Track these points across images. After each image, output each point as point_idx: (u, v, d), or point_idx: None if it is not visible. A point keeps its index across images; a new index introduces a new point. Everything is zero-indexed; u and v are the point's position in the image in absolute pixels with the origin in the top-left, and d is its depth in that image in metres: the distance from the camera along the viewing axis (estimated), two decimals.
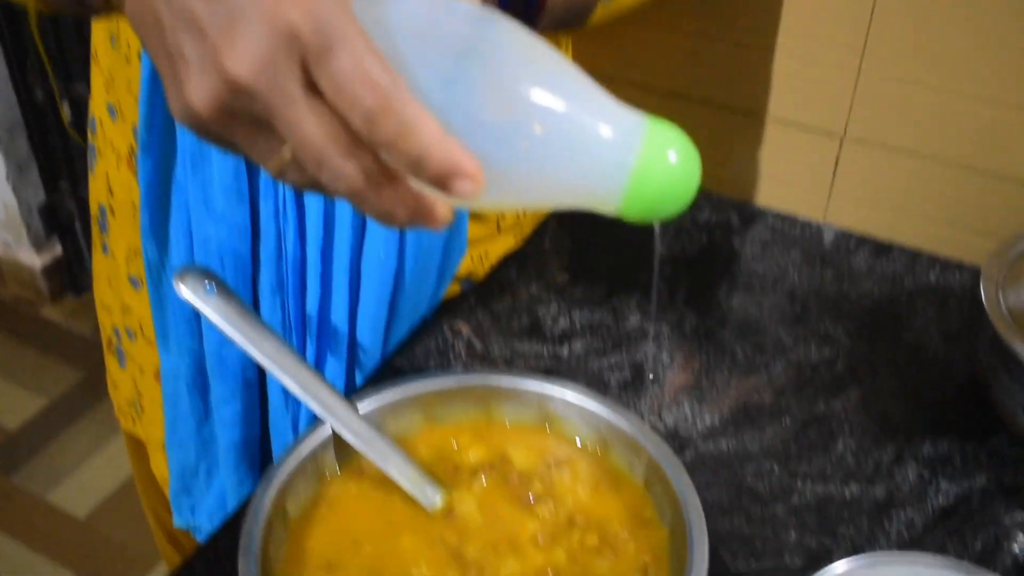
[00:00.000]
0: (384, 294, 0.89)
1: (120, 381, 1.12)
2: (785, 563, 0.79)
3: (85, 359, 2.29)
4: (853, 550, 0.80)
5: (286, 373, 0.74)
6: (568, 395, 0.78)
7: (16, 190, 2.42)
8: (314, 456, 0.75)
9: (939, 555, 0.72)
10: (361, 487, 0.75)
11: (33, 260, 2.52)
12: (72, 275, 2.55)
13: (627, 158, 0.51)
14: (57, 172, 2.50)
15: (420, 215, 0.49)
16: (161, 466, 1.13)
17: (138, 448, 1.17)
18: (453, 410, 0.79)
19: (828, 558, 0.72)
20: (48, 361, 2.38)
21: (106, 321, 1.10)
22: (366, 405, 0.77)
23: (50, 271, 2.54)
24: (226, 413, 0.96)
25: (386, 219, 0.49)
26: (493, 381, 0.79)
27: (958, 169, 1.06)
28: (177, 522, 1.08)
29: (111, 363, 1.12)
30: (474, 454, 0.78)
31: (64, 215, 2.52)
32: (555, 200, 0.53)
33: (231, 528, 0.75)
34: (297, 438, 0.75)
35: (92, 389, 2.20)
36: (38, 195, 2.49)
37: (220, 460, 1.01)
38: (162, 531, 1.21)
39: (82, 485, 2.07)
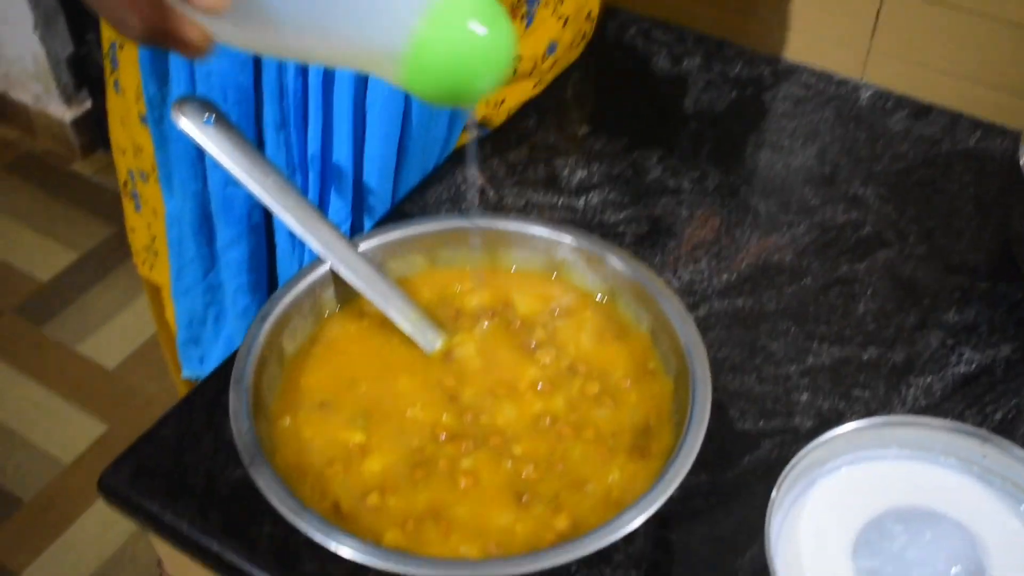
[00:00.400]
0: (391, 134, 0.85)
1: (136, 226, 1.10)
2: (794, 424, 0.76)
3: (116, 214, 2.27)
4: (867, 414, 0.77)
5: (286, 209, 0.71)
6: (577, 242, 0.75)
7: (44, 41, 2.37)
8: (312, 293, 0.73)
9: (955, 421, 0.68)
10: (359, 327, 0.74)
11: (63, 113, 2.48)
12: (103, 130, 2.52)
13: (410, 19, 0.43)
14: (85, 23, 2.44)
15: (161, 29, 0.49)
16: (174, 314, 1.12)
17: (156, 296, 1.15)
18: (457, 254, 0.77)
19: (839, 421, 0.68)
20: (79, 215, 2.36)
21: (121, 164, 1.07)
22: (368, 244, 0.74)
23: (80, 124, 2.50)
24: (232, 257, 0.94)
25: (120, 27, 0.50)
26: (500, 225, 0.76)
27: (1006, 27, 0.99)
28: (186, 373, 1.07)
29: (128, 207, 1.10)
30: (477, 299, 0.75)
31: (93, 67, 2.48)
32: (333, 53, 0.47)
33: (229, 367, 0.73)
34: (295, 274, 0.72)
35: (122, 244, 2.19)
36: (66, 47, 2.44)
37: (227, 307, 1.00)
38: (182, 380, 1.21)
39: (111, 337, 2.07)
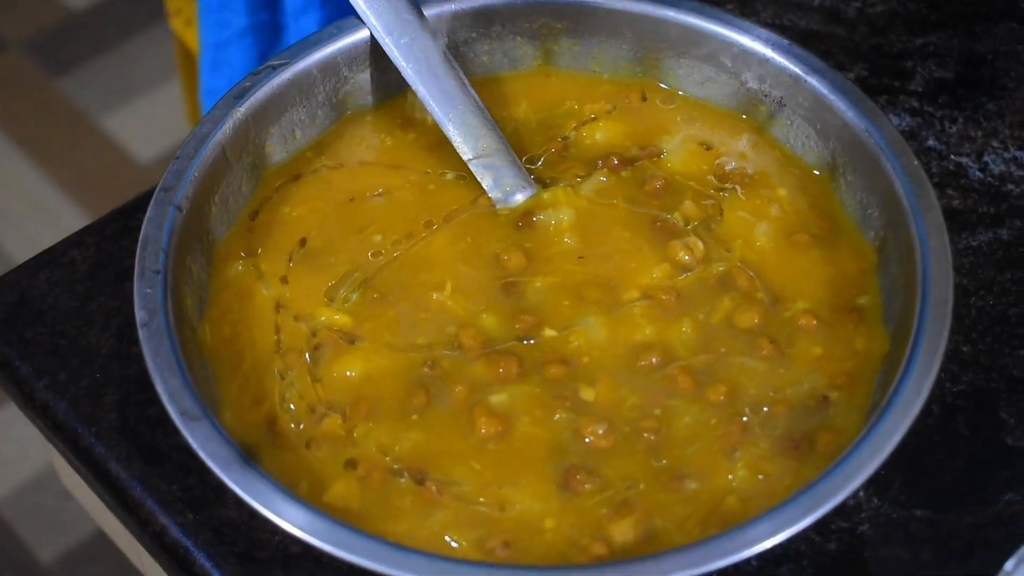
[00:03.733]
0: None
1: None
2: None
3: None
4: None
5: None
6: (802, 68, 0.70)
7: None
8: (333, 72, 0.71)
9: None
10: (395, 144, 0.72)
11: None
12: None
13: None
14: None
15: None
16: None
17: (189, 66, 1.20)
18: (592, 49, 0.74)
19: None
20: None
21: None
22: (440, 6, 0.72)
23: None
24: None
25: None
26: (663, 11, 0.72)
27: None
28: None
29: None
30: (604, 131, 0.73)
31: None
32: None
33: None
34: (308, 36, 0.71)
35: None
36: None
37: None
38: None
39: (150, 116, 2.11)
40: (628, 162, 0.71)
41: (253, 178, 0.69)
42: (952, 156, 0.79)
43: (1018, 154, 0.80)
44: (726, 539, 0.54)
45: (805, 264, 0.68)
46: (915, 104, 0.82)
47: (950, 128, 0.82)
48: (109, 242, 0.75)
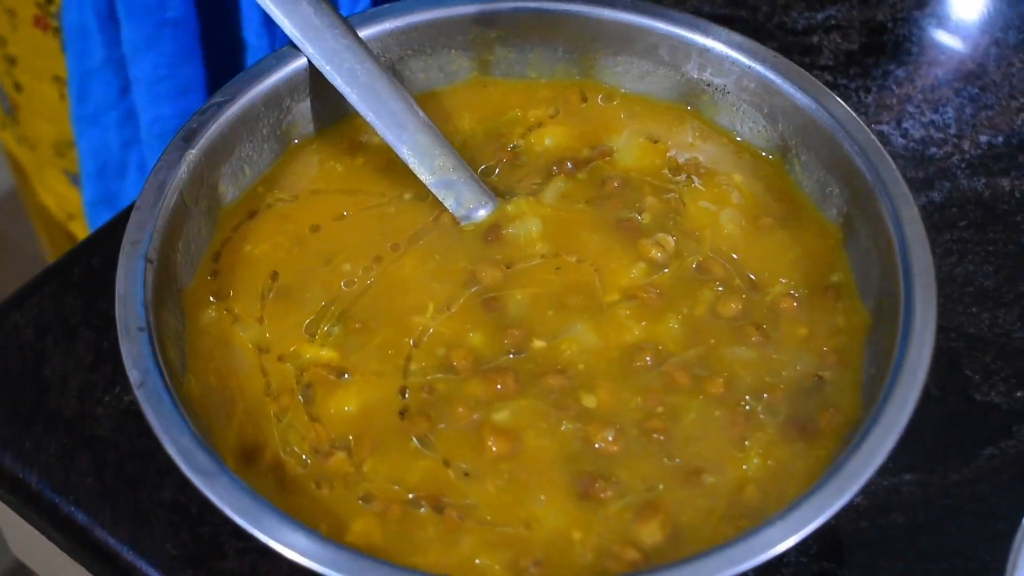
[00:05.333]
0: None
1: None
2: None
3: None
4: None
5: None
6: (735, 51, 0.70)
7: None
8: (275, 103, 0.69)
9: None
10: (347, 169, 0.71)
11: None
12: None
13: None
14: None
15: None
16: (56, 182, 1.12)
17: (20, 172, 1.18)
18: (527, 55, 0.74)
19: None
20: None
21: None
22: (375, 28, 0.71)
23: None
24: (144, 68, 0.93)
25: None
26: (601, 12, 0.71)
27: None
28: None
29: None
30: (553, 136, 0.73)
31: None
32: None
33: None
34: (247, 70, 0.69)
35: None
36: None
37: (148, 147, 1.00)
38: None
39: None
40: (582, 164, 0.71)
41: (211, 221, 0.67)
42: (873, 126, 0.81)
43: (934, 117, 0.83)
44: (763, 535, 0.53)
45: (774, 246, 0.68)
46: (828, 78, 0.84)
47: (866, 98, 0.83)
48: (50, 301, 0.72)
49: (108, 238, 0.74)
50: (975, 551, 0.65)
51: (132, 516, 0.65)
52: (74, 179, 1.10)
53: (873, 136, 0.67)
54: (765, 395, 0.63)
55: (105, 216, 1.05)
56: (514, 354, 0.64)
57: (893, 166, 0.65)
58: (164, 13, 0.90)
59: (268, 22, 0.92)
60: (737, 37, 0.70)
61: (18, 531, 0.72)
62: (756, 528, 0.54)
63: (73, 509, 0.65)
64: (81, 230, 1.15)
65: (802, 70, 0.69)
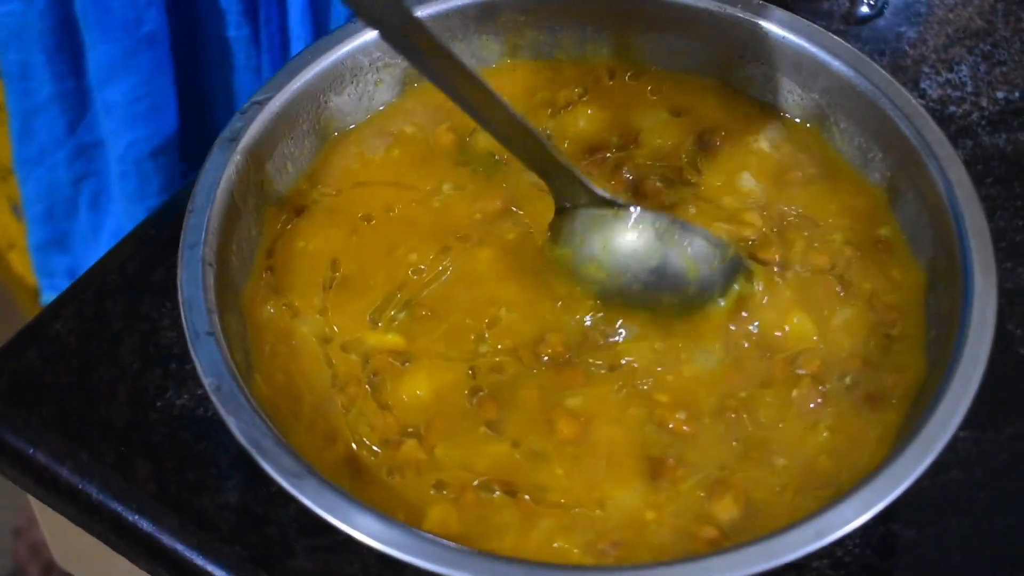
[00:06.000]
0: None
1: None
2: None
3: None
4: None
5: None
6: (764, 20, 0.71)
7: None
8: (311, 96, 0.69)
9: None
10: (384, 160, 0.71)
11: None
12: None
13: None
14: None
15: None
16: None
17: None
18: (558, 36, 0.74)
19: None
20: None
21: None
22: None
23: None
24: (115, 94, 0.91)
25: None
26: None
27: None
28: (49, 298, 1.05)
29: None
30: (584, 119, 0.73)
31: None
32: None
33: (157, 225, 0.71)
34: (297, 55, 0.70)
35: None
36: None
37: (112, 181, 0.98)
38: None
39: None
40: (617, 152, 0.72)
41: (260, 220, 0.67)
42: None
43: (950, 76, 0.83)
44: (846, 504, 0.54)
45: (825, 198, 0.69)
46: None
47: (881, 61, 0.83)
48: (90, 307, 0.71)
49: (129, 248, 0.74)
50: None
51: (198, 521, 0.64)
52: (15, 208, 1.07)
53: (915, 101, 0.67)
54: (844, 376, 0.63)
55: (56, 259, 1.03)
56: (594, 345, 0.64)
57: (937, 129, 0.66)
58: (141, 28, 0.88)
59: (247, 11, 0.90)
60: (771, 9, 0.71)
61: (70, 542, 0.71)
62: (839, 498, 0.54)
63: (138, 517, 0.64)
64: (21, 263, 1.12)
65: (837, 38, 0.70)
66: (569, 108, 0.73)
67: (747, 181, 0.70)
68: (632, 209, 0.64)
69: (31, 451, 0.66)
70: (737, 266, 0.64)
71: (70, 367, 0.69)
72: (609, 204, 0.64)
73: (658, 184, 0.70)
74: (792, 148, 0.71)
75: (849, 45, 0.69)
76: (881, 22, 0.86)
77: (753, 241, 0.67)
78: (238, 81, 0.93)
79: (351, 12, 0.66)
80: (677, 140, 0.72)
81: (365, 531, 0.53)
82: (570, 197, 0.64)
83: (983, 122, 0.81)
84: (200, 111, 0.96)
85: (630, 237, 0.64)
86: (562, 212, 0.65)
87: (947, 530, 0.65)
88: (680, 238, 0.63)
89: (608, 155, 0.71)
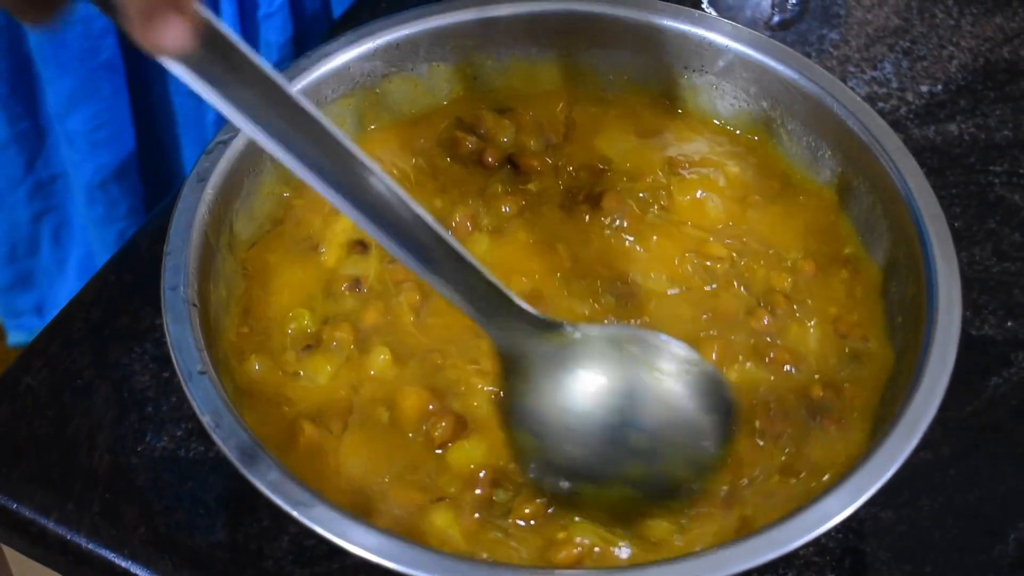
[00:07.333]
0: None
1: None
2: None
3: None
4: None
5: None
6: (707, 31, 0.72)
7: None
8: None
9: None
10: None
11: None
12: None
13: None
14: None
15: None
16: None
17: None
18: (505, 61, 0.74)
19: None
20: None
21: None
22: (357, 46, 0.71)
23: None
24: (76, 125, 0.91)
25: None
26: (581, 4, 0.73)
27: None
28: (14, 339, 1.05)
29: None
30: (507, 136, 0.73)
31: None
32: None
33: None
34: None
35: None
36: None
37: (73, 214, 0.98)
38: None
39: None
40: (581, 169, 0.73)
41: (233, 259, 0.67)
42: None
43: (874, 74, 0.84)
44: (841, 491, 0.56)
45: (771, 218, 0.70)
46: None
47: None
48: (59, 359, 0.70)
49: (90, 293, 0.74)
50: (1003, 476, 0.67)
51: (192, 562, 0.64)
52: None
53: (858, 97, 0.68)
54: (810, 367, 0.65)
55: (22, 298, 1.02)
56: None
57: (884, 122, 0.67)
58: (99, 56, 0.88)
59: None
60: (716, 20, 0.72)
61: None
62: (831, 487, 0.56)
63: (131, 563, 0.64)
64: None
65: (778, 43, 0.71)
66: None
67: (725, 203, 0.71)
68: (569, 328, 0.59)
69: (14, 506, 0.65)
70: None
71: (45, 419, 0.68)
72: (545, 326, 0.58)
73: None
74: (746, 165, 0.73)
75: (792, 50, 0.71)
76: (803, 26, 0.87)
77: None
78: (185, 103, 0.94)
79: None
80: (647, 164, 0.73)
81: (379, 553, 0.53)
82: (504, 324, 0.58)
83: (911, 116, 0.82)
84: (152, 133, 0.96)
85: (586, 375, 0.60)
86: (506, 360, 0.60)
87: (922, 508, 0.66)
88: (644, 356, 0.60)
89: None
